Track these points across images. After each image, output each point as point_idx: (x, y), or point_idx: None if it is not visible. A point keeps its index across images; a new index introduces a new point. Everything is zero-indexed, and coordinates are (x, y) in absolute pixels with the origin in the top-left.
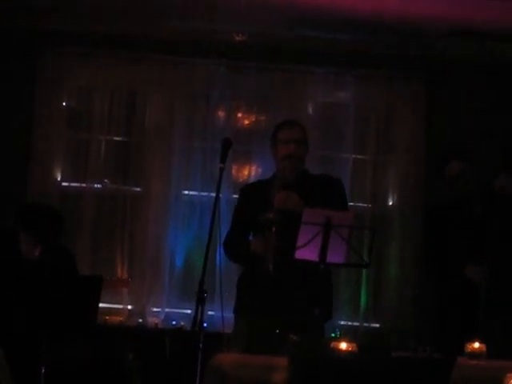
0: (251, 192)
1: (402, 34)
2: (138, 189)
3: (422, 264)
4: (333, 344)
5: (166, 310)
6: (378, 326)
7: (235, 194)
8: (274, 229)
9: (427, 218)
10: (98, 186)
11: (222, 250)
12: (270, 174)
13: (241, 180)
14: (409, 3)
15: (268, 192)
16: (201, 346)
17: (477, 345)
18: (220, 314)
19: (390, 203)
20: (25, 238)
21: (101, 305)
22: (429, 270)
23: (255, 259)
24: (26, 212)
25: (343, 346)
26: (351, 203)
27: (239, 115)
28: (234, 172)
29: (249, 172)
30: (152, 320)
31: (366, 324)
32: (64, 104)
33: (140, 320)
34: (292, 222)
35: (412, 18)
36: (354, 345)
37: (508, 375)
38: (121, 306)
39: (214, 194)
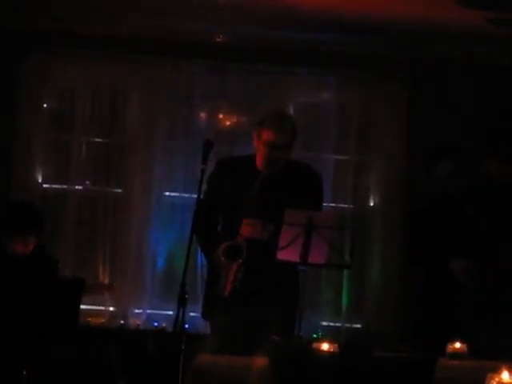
0: (229, 167)
1: (385, 35)
2: (120, 190)
3: (407, 259)
4: (315, 344)
5: (148, 311)
6: (359, 326)
7: None
8: (240, 259)
9: (414, 212)
10: (80, 187)
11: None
12: None
13: None
14: (393, 4)
15: (246, 171)
16: (182, 347)
17: (458, 345)
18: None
19: (372, 203)
20: (13, 238)
21: (82, 306)
22: (414, 265)
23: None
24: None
25: (325, 346)
26: (333, 204)
27: (221, 116)
28: None
29: None
30: (134, 321)
31: (347, 324)
32: (45, 105)
33: (122, 321)
34: (257, 250)
35: (395, 19)
36: (336, 345)
37: (489, 375)
38: (103, 308)
39: (195, 196)
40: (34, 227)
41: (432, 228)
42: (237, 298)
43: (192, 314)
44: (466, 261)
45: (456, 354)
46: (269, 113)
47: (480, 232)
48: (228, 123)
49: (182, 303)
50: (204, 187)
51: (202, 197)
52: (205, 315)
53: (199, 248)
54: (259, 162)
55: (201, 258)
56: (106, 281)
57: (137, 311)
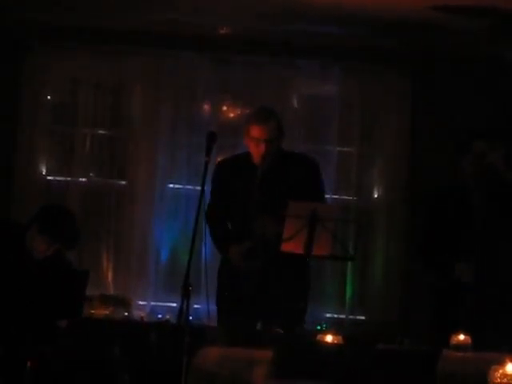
0: (229, 167)
1: (389, 27)
2: (124, 182)
3: (414, 252)
4: (319, 336)
5: (152, 303)
6: (363, 318)
7: None
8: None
9: (427, 205)
10: (84, 179)
11: (205, 220)
12: None
13: None
14: None
15: (245, 168)
16: (186, 339)
17: (462, 337)
18: (206, 307)
19: (376, 196)
20: (40, 237)
21: None
22: (421, 259)
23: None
24: (46, 212)
25: (329, 338)
26: (336, 196)
27: (224, 108)
28: None
29: None
30: (138, 313)
31: (351, 316)
32: (49, 97)
33: (126, 313)
34: (269, 248)
35: (399, 11)
36: (340, 337)
37: (493, 367)
38: None
39: (199, 188)
40: (69, 239)
41: (440, 219)
42: (249, 289)
43: (196, 305)
44: (469, 265)
45: (460, 346)
46: (254, 110)
47: (484, 225)
48: (231, 115)
49: (185, 295)
50: (209, 188)
51: (209, 200)
52: (218, 303)
53: (213, 244)
54: (252, 153)
55: (205, 250)
56: (111, 276)
57: (141, 303)
